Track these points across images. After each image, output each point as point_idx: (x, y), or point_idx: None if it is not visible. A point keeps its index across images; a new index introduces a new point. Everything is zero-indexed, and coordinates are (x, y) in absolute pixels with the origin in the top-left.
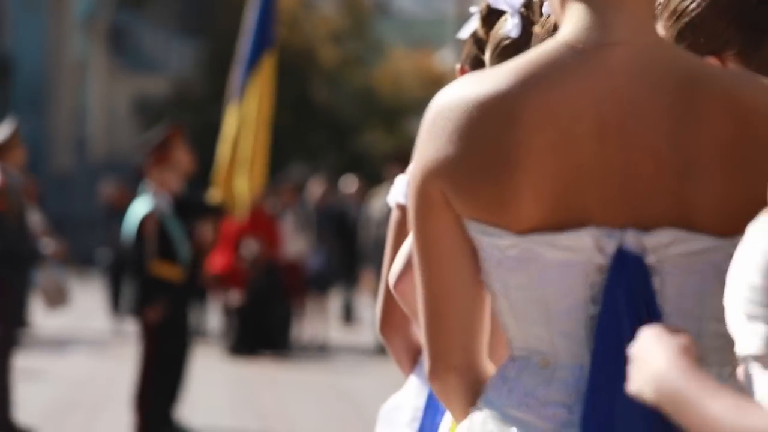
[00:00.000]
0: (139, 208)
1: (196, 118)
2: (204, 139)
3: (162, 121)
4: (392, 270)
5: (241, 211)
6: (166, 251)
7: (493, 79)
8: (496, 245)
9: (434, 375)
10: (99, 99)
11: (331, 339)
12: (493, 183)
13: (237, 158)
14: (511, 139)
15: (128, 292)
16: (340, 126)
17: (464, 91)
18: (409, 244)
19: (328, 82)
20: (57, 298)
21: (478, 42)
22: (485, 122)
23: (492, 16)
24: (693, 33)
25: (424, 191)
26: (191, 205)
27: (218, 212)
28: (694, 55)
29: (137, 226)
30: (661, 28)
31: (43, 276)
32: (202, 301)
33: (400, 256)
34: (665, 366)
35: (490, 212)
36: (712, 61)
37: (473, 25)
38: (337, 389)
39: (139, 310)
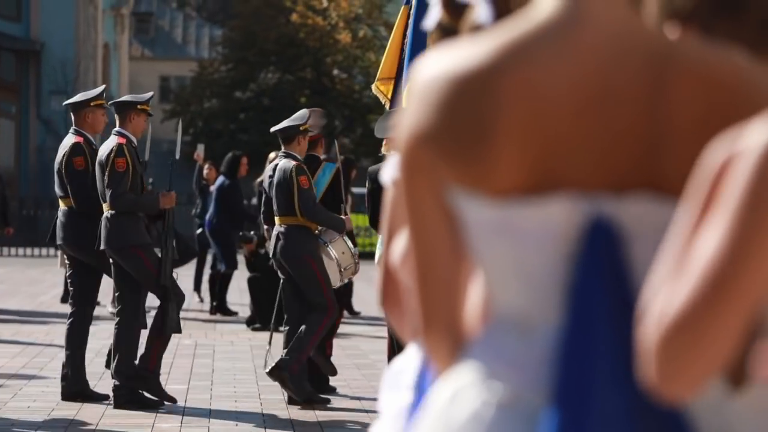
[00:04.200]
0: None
1: (220, 102)
2: (225, 124)
3: (185, 107)
4: (397, 248)
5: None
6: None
7: (476, 53)
8: (476, 210)
9: (422, 334)
10: (125, 83)
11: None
12: (474, 149)
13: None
14: (492, 110)
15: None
16: (358, 107)
17: (450, 64)
18: None
19: (345, 63)
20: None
21: (446, 30)
22: (469, 95)
23: (454, 2)
24: None
25: (411, 157)
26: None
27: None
28: (665, 29)
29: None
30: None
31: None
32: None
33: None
34: None
35: (471, 177)
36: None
37: (436, 14)
38: (354, 357)
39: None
